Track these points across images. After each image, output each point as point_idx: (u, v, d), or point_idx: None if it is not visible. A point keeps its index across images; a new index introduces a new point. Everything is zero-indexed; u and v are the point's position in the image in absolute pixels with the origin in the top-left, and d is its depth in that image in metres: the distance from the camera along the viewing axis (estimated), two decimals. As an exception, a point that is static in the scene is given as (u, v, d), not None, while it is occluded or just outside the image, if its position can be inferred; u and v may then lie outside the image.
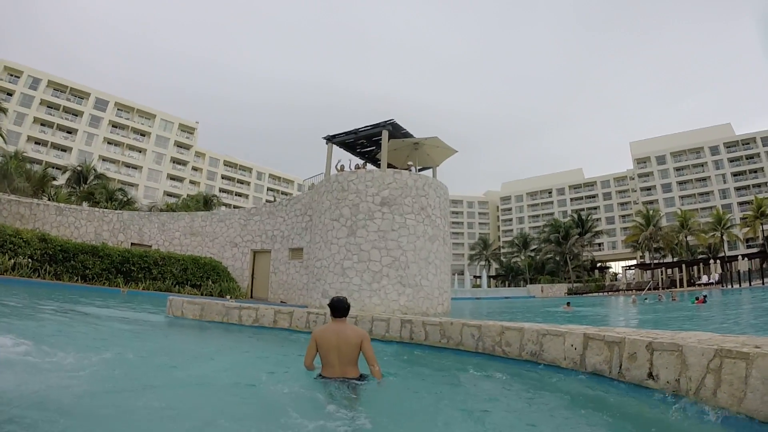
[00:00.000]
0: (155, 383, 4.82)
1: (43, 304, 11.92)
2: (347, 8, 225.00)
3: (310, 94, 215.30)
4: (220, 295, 20.33)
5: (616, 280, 71.85)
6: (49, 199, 30.81)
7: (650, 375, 4.09)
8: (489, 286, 68.12)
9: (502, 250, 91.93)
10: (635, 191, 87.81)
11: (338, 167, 20.75)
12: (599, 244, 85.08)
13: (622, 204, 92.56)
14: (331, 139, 21.90)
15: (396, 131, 20.05)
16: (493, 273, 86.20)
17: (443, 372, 6.40)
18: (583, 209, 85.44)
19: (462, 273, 74.01)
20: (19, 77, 66.46)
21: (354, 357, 4.78)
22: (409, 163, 20.31)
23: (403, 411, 4.33)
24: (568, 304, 25.95)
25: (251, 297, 22.82)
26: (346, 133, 21.40)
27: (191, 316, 10.76)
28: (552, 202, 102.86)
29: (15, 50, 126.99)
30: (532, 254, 77.95)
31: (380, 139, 20.04)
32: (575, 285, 59.62)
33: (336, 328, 4.85)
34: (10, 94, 64.17)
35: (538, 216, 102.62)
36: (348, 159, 22.78)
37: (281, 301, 21.30)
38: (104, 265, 19.79)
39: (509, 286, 75.41)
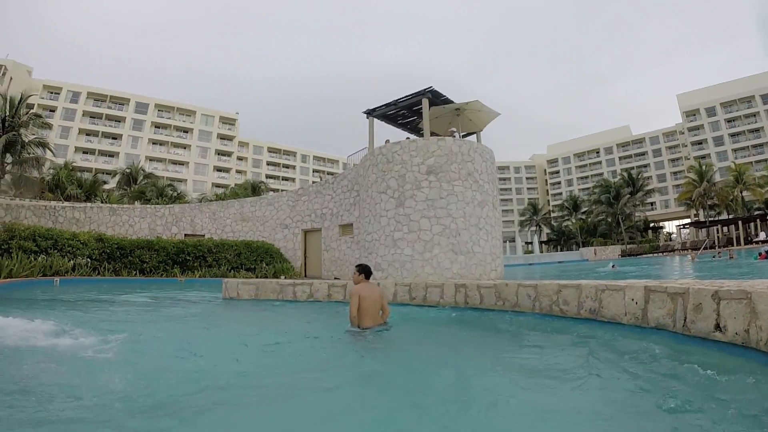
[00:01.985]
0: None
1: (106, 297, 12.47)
2: None
3: (350, 76, 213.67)
4: (274, 277, 20.75)
5: (670, 239, 69.42)
6: (102, 202, 32.15)
7: (717, 326, 3.85)
8: (541, 252, 67.04)
9: (553, 214, 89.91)
10: (686, 146, 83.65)
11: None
12: (651, 204, 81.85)
13: (672, 160, 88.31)
14: (371, 113, 21.70)
15: (436, 98, 19.65)
16: (544, 238, 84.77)
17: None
18: (632, 168, 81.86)
19: (513, 240, 73.04)
20: (59, 93, 69.92)
21: (379, 307, 6.68)
22: (452, 129, 19.92)
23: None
24: (614, 265, 25.44)
25: (305, 276, 23.20)
26: (386, 105, 21.11)
27: (247, 296, 11.03)
28: (600, 162, 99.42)
29: (54, 69, 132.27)
30: (583, 217, 75.99)
31: (421, 109, 19.72)
32: (628, 246, 57.76)
33: (369, 286, 6.77)
34: (52, 110, 67.47)
35: (587, 177, 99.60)
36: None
37: (335, 278, 21.55)
38: (160, 258, 20.54)
39: (561, 250, 73.93)
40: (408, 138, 20.88)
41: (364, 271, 6.89)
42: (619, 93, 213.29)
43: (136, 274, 19.70)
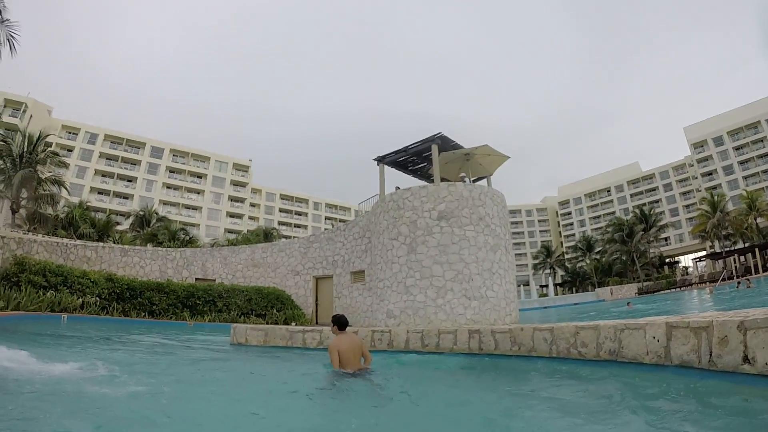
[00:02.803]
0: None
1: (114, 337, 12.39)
2: (381, 31, 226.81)
3: (357, 121, 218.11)
4: (285, 323, 20.53)
5: (687, 274, 68.01)
6: (114, 243, 32.43)
7: (745, 359, 3.70)
8: (556, 294, 65.93)
9: (566, 256, 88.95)
10: (696, 178, 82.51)
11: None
12: (665, 239, 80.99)
13: (684, 194, 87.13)
14: (381, 160, 21.91)
15: (445, 144, 19.86)
16: (559, 280, 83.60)
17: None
18: (644, 204, 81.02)
19: (527, 284, 72.13)
20: (77, 134, 71.93)
21: (359, 355, 6.84)
22: (462, 174, 20.02)
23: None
24: (629, 303, 25.12)
25: (316, 323, 22.93)
26: (396, 152, 21.35)
27: (255, 342, 10.87)
28: (612, 201, 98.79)
29: (72, 109, 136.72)
30: (598, 257, 75.03)
31: (430, 155, 19.90)
32: (645, 284, 56.67)
33: (346, 338, 6.91)
34: (70, 150, 69.08)
35: (599, 217, 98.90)
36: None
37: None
38: (170, 301, 20.49)
39: (577, 291, 72.75)
40: (419, 184, 20.98)
41: (338, 322, 7.03)
42: (627, 129, 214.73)
43: (145, 315, 19.59)
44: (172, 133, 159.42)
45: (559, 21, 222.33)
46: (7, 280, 16.50)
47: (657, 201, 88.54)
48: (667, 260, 74.15)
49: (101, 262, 23.02)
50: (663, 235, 75.32)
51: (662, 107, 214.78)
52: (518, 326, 7.51)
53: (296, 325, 19.57)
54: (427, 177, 23.13)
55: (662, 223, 69.73)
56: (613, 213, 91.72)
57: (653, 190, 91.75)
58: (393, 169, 23.32)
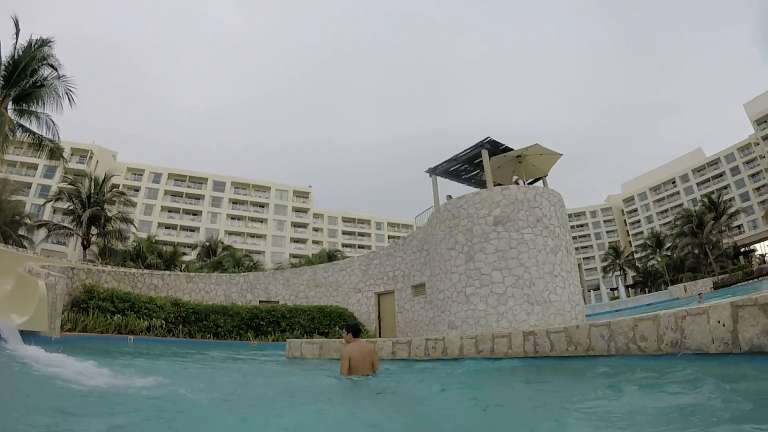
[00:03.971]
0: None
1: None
2: (424, 50, 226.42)
3: (412, 142, 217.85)
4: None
5: (764, 262, 62.86)
6: (180, 271, 33.78)
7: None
8: (628, 296, 62.52)
9: (636, 255, 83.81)
10: (763, 157, 75.79)
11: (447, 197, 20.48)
12: (738, 227, 74.67)
13: (752, 176, 79.66)
14: (433, 171, 21.73)
15: (495, 148, 19.43)
16: (630, 282, 79.45)
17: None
18: (712, 192, 74.45)
19: (597, 288, 69.02)
20: (141, 175, 76.50)
21: (369, 363, 7.14)
22: (515, 177, 19.50)
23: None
24: (700, 295, 23.45)
25: (380, 337, 22.75)
26: (447, 162, 21.13)
27: (310, 355, 10.86)
28: (678, 192, 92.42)
29: (137, 153, 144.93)
30: (668, 253, 70.36)
31: (482, 161, 19.52)
32: (720, 277, 52.68)
33: (359, 345, 7.29)
34: (136, 190, 73.59)
35: (666, 211, 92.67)
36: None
37: (409, 339, 20.97)
38: (234, 323, 20.90)
39: (649, 291, 68.66)
40: (472, 192, 20.59)
41: (352, 330, 7.46)
42: (685, 118, 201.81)
43: (210, 336, 20.08)
44: (232, 170, 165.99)
45: (599, 21, 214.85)
46: (77, 306, 17.39)
47: (725, 187, 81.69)
48: (742, 249, 69.00)
49: (168, 289, 23.87)
50: (735, 223, 69.77)
51: (717, 88, 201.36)
52: (573, 324, 7.04)
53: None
54: (480, 184, 22.68)
55: (733, 209, 64.23)
56: (681, 205, 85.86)
57: (720, 175, 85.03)
58: (447, 180, 23.07)
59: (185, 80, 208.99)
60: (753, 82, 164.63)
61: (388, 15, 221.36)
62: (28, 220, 40.80)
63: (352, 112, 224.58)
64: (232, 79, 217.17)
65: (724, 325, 4.25)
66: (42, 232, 40.91)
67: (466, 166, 21.94)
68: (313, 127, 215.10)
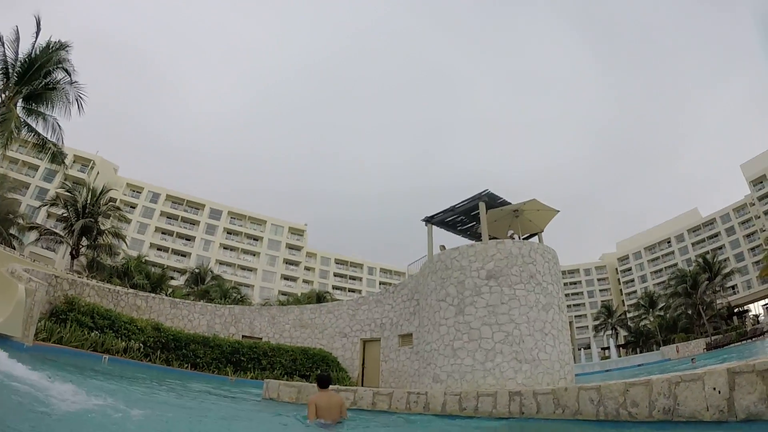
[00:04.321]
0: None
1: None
2: (431, 86, 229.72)
3: (407, 178, 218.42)
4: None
5: (758, 322, 62.41)
6: (166, 295, 33.27)
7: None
8: (619, 356, 61.75)
9: (629, 314, 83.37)
10: (759, 217, 76.28)
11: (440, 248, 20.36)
12: (732, 287, 74.43)
13: (747, 236, 79.99)
14: (429, 220, 21.68)
15: (493, 201, 19.43)
16: (621, 341, 78.96)
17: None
18: (707, 252, 75.11)
19: (588, 347, 68.24)
20: (140, 192, 76.83)
21: (337, 413, 7.37)
22: (511, 232, 19.42)
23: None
24: (693, 359, 22.97)
25: (362, 386, 22.15)
26: (444, 212, 21.11)
27: (287, 398, 10.50)
28: (673, 252, 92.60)
29: (136, 168, 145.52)
30: (661, 313, 70.12)
31: (478, 213, 19.50)
32: (713, 338, 52.18)
33: (326, 395, 7.56)
34: (133, 207, 73.74)
35: (660, 270, 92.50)
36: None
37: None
38: (214, 355, 20.33)
39: (641, 352, 67.90)
40: (467, 244, 20.50)
41: (319, 380, 7.77)
42: (681, 173, 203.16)
43: (187, 366, 19.47)
44: (227, 187, 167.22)
45: (597, 76, 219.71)
46: (55, 316, 16.85)
47: (720, 247, 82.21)
48: (736, 310, 68.53)
49: (150, 312, 23.33)
50: (729, 284, 69.78)
51: (714, 146, 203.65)
52: (562, 387, 6.80)
53: (339, 386, 18.95)
54: (476, 236, 22.61)
55: (727, 270, 64.28)
56: (675, 265, 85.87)
57: (715, 236, 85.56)
58: (442, 230, 22.99)
59: (194, 93, 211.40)
60: (749, 140, 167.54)
61: (393, 57, 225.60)
62: (20, 221, 40.52)
63: (355, 152, 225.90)
64: (231, 99, 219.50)
65: (719, 392, 4.06)
66: (33, 235, 40.38)
67: (463, 218, 21.91)
68: (308, 152, 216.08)
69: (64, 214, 36.88)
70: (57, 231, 38.01)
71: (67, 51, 26.11)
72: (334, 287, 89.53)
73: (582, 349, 64.39)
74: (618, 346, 70.52)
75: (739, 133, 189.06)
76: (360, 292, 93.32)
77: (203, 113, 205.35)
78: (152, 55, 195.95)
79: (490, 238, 18.66)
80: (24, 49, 24.98)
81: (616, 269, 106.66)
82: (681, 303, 61.50)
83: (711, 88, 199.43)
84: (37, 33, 24.92)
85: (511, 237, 18.90)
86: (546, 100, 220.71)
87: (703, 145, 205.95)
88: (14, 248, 33.54)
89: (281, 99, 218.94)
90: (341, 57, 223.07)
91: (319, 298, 55.79)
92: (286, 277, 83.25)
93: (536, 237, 21.17)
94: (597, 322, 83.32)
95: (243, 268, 79.55)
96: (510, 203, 19.68)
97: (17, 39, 24.63)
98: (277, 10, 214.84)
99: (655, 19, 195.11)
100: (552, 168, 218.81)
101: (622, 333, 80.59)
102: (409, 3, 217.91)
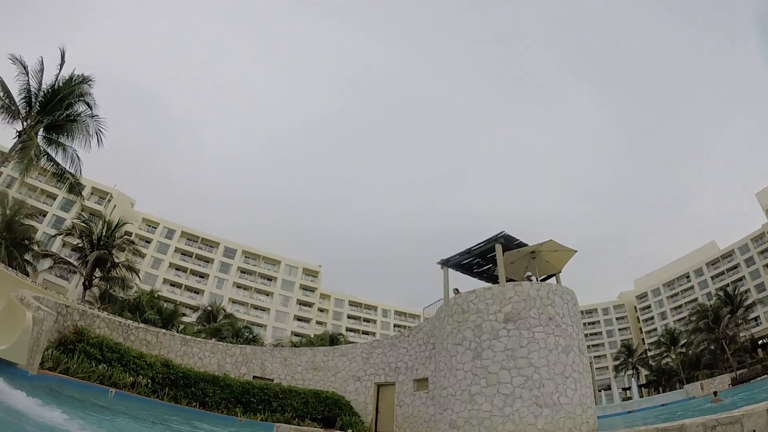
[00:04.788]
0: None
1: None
2: (439, 132, 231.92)
3: (419, 220, 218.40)
4: (341, 430, 19.39)
5: None
6: (177, 332, 33.17)
7: None
8: (641, 396, 59.70)
9: (649, 353, 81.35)
10: None
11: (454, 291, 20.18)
12: (755, 319, 72.34)
13: (767, 265, 78.02)
14: (445, 263, 21.56)
15: (509, 243, 19.30)
16: (643, 381, 76.42)
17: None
18: (727, 285, 73.58)
19: (608, 387, 66.26)
20: (156, 228, 77.96)
21: None
22: (528, 273, 19.17)
23: None
24: (716, 393, 22.18)
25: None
26: (460, 254, 20.99)
27: (300, 442, 10.14)
28: (692, 287, 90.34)
29: (153, 205, 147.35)
30: (683, 350, 68.28)
31: (494, 255, 19.35)
32: (738, 372, 50.34)
33: None
34: (148, 241, 74.74)
35: (680, 306, 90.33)
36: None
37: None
38: (224, 395, 19.99)
39: (663, 391, 65.58)
40: (483, 286, 20.29)
41: (325, 420, 8.22)
42: (697, 208, 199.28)
43: (196, 405, 19.10)
44: (241, 227, 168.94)
45: (606, 115, 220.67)
46: (63, 346, 16.67)
47: (740, 279, 79.93)
48: (760, 342, 66.68)
49: (160, 348, 23.09)
50: (752, 315, 68.34)
51: (729, 178, 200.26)
52: (591, 432, 6.52)
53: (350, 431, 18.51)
54: (493, 279, 22.39)
55: (749, 301, 62.84)
56: (695, 299, 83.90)
57: (735, 267, 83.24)
58: (458, 273, 22.80)
59: (210, 137, 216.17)
60: (762, 168, 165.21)
61: (407, 100, 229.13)
62: (36, 247, 40.82)
63: (365, 197, 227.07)
64: (259, 145, 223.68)
65: (760, 436, 3.86)
66: (47, 263, 40.89)
67: (479, 260, 21.76)
68: (329, 201, 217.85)
69: (79, 244, 37.51)
70: (71, 261, 38.47)
71: (89, 85, 27.00)
72: (348, 329, 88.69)
73: (602, 390, 62.64)
74: (640, 386, 68.54)
75: (752, 162, 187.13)
76: (374, 334, 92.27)
77: (218, 156, 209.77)
78: (170, 99, 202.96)
79: (507, 281, 18.44)
80: (47, 80, 25.91)
81: (635, 307, 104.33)
82: (703, 338, 60.21)
83: (718, 120, 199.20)
84: (62, 65, 25.85)
85: (529, 279, 18.66)
86: (551, 144, 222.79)
87: (717, 176, 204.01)
88: (27, 274, 33.73)
89: (291, 147, 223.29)
90: (346, 106, 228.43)
91: (333, 340, 55.19)
92: (299, 318, 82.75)
93: (554, 278, 20.91)
94: (617, 362, 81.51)
95: (256, 307, 79.35)
96: (526, 245, 19.52)
97: (41, 70, 25.59)
98: (285, 64, 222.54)
99: (657, 57, 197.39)
100: (562, 213, 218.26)
101: (644, 372, 78.46)
102: (411, 51, 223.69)
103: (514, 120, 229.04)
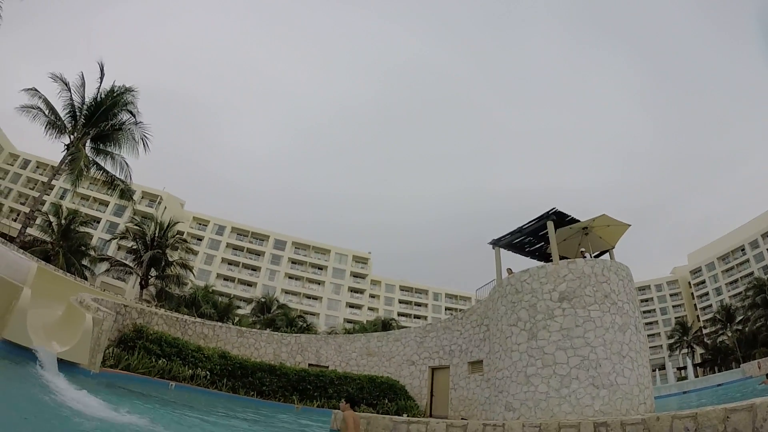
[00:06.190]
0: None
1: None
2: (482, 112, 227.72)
3: (470, 201, 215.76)
4: (396, 414, 19.48)
5: None
6: (232, 324, 34.04)
7: None
8: (696, 376, 57.22)
9: (705, 331, 77.37)
10: None
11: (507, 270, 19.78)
12: None
13: None
14: (496, 243, 21.14)
15: (561, 220, 18.71)
16: (698, 360, 73.04)
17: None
18: None
19: (663, 367, 63.84)
20: (206, 225, 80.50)
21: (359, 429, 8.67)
22: (582, 250, 18.57)
23: None
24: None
25: (430, 415, 21.58)
26: (511, 234, 20.50)
27: (356, 429, 10.21)
28: (748, 260, 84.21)
29: (201, 203, 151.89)
30: (740, 327, 64.69)
31: (546, 233, 18.84)
32: None
33: (352, 415, 9.14)
34: (200, 239, 77.33)
35: (736, 281, 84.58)
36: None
37: (462, 418, 19.73)
38: (281, 383, 20.46)
39: (719, 370, 62.49)
40: (536, 265, 19.80)
41: (351, 401, 9.71)
42: (748, 173, 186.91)
43: (253, 394, 19.62)
44: (286, 220, 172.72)
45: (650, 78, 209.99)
46: (124, 344, 17.41)
47: None
48: None
49: (217, 340, 23.82)
50: None
51: None
52: (653, 415, 6.24)
53: (408, 416, 18.51)
54: (545, 257, 21.82)
55: None
56: (752, 274, 78.53)
57: None
58: (510, 252, 22.34)
59: (247, 133, 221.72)
60: None
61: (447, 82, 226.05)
62: (92, 252, 43.03)
63: (406, 185, 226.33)
64: (297, 140, 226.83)
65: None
66: (104, 266, 43.10)
67: (531, 239, 21.20)
68: (373, 192, 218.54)
69: (134, 246, 39.02)
70: (127, 262, 40.16)
71: (133, 95, 27.96)
72: (400, 314, 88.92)
73: (656, 369, 60.36)
74: (695, 365, 65.72)
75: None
76: (426, 318, 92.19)
77: (257, 151, 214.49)
78: (205, 99, 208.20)
79: (560, 258, 17.93)
80: (89, 93, 26.94)
81: (689, 283, 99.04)
82: (761, 315, 56.97)
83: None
84: (101, 78, 26.92)
85: (582, 255, 18.08)
86: (605, 115, 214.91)
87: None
88: (86, 278, 35.50)
89: (329, 139, 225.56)
90: (383, 95, 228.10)
91: (385, 325, 55.47)
92: (351, 305, 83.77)
93: (607, 254, 20.17)
94: (671, 341, 78.12)
95: (308, 296, 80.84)
96: (579, 221, 18.88)
97: (83, 84, 26.71)
98: (317, 57, 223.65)
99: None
100: (607, 185, 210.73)
101: (699, 351, 74.97)
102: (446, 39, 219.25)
103: (557, 100, 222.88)
